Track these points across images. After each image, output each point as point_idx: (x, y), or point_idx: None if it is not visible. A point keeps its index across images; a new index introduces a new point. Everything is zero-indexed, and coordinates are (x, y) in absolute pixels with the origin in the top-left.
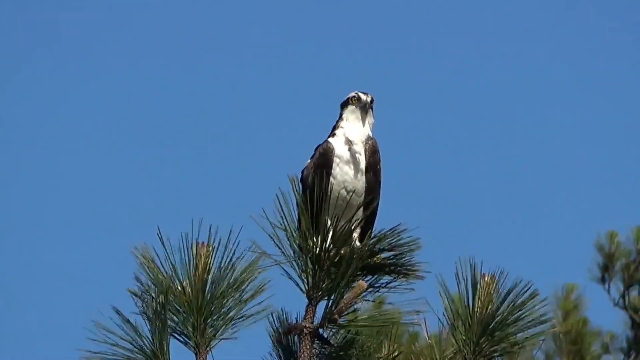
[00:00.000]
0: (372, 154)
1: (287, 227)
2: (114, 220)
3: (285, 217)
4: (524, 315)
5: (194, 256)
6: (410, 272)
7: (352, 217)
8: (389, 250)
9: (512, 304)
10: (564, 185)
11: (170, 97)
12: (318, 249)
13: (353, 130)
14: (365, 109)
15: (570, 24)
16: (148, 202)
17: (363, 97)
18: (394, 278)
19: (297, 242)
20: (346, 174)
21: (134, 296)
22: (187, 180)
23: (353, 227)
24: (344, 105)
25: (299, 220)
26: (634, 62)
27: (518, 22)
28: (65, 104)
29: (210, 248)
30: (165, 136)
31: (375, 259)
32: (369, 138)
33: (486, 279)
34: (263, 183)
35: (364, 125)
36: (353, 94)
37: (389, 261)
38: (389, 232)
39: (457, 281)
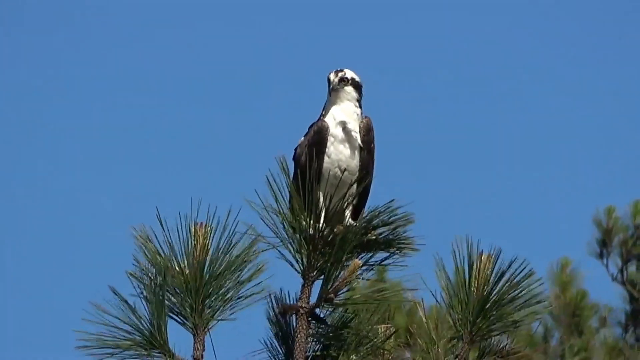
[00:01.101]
0: (367, 132)
1: (280, 209)
2: (112, 201)
3: (277, 198)
4: (520, 294)
5: (193, 237)
6: (404, 246)
7: (345, 195)
8: (383, 225)
9: (509, 283)
10: (561, 160)
11: (168, 80)
12: (311, 229)
13: (338, 111)
14: (335, 89)
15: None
16: (146, 183)
17: (331, 77)
18: (389, 254)
19: (290, 222)
20: (340, 153)
21: (132, 277)
22: (185, 160)
23: (345, 205)
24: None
25: (291, 200)
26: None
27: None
28: (62, 88)
29: (209, 228)
30: (163, 118)
31: (369, 235)
32: (361, 115)
33: (483, 258)
34: (262, 162)
35: (342, 104)
36: (328, 74)
37: (383, 237)
38: (382, 209)
39: (454, 260)
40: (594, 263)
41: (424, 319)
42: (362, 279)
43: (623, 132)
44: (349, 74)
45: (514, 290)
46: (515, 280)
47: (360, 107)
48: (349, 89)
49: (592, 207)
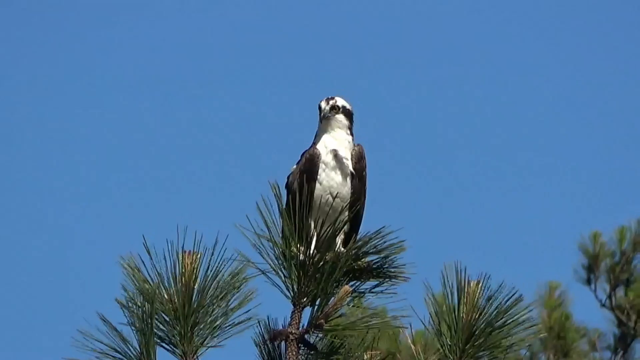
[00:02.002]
0: (359, 159)
1: (270, 235)
2: (100, 228)
3: (268, 224)
4: (509, 321)
5: (180, 264)
6: (395, 274)
7: (336, 222)
8: (374, 253)
9: (497, 309)
10: (547, 186)
11: (154, 103)
12: (302, 256)
13: (329, 139)
14: (326, 117)
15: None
16: (134, 210)
17: (322, 105)
18: (380, 282)
19: (281, 249)
20: (332, 180)
21: (120, 305)
22: (172, 188)
23: (336, 232)
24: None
25: (283, 227)
26: (617, 64)
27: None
28: (37, 119)
29: (198, 255)
30: (150, 144)
31: (360, 262)
32: (353, 142)
33: (472, 285)
34: (250, 188)
35: (334, 132)
36: (320, 102)
37: (374, 264)
38: (373, 235)
39: (443, 288)
40: (581, 288)
41: (412, 345)
42: (352, 305)
43: (609, 158)
44: (340, 101)
45: (503, 317)
46: (504, 307)
47: (351, 134)
48: (340, 116)
49: (576, 233)
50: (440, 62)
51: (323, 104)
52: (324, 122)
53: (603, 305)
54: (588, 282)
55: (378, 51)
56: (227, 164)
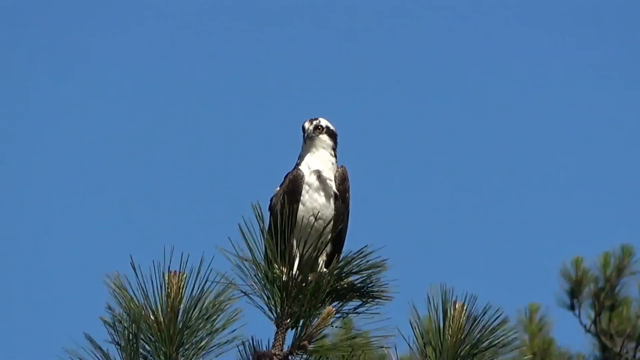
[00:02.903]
0: (342, 181)
1: (253, 257)
2: (86, 247)
3: (250, 246)
4: (494, 342)
5: (166, 285)
6: (378, 294)
7: (318, 243)
8: (357, 272)
9: (483, 330)
10: (528, 210)
11: (138, 122)
12: (285, 277)
13: (312, 160)
14: (310, 137)
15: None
16: (120, 229)
17: (306, 125)
18: (363, 301)
19: (264, 270)
20: (315, 201)
21: (106, 325)
22: (158, 207)
23: (319, 252)
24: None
25: (265, 248)
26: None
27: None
28: (28, 131)
29: (184, 276)
30: (135, 164)
31: (342, 283)
32: (337, 164)
33: (457, 306)
34: (236, 208)
35: (317, 152)
36: (303, 123)
37: (357, 284)
38: (355, 255)
39: (428, 309)
40: (564, 313)
41: None
42: (336, 326)
43: (590, 182)
44: (324, 122)
45: (488, 338)
46: (489, 328)
47: (335, 155)
48: (324, 137)
49: (558, 259)
50: (416, 81)
51: (307, 125)
52: (308, 142)
53: (588, 330)
54: (572, 307)
55: (357, 69)
56: (211, 184)
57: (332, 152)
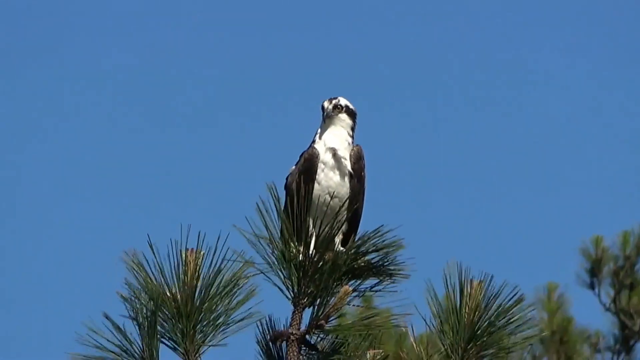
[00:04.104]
0: (357, 160)
1: (270, 236)
2: (104, 226)
3: (267, 225)
4: (511, 320)
5: (184, 262)
6: (395, 272)
7: (335, 222)
8: (373, 251)
9: (500, 309)
10: (548, 190)
11: (156, 104)
12: (301, 256)
13: (329, 138)
14: (329, 116)
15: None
16: (138, 207)
17: (325, 104)
18: (380, 280)
19: (280, 249)
20: (331, 180)
21: (123, 300)
22: (176, 185)
23: (335, 231)
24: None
25: (282, 228)
26: (620, 67)
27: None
28: (38, 117)
29: (201, 254)
30: (153, 144)
31: (359, 261)
32: (353, 144)
33: (474, 284)
34: (252, 187)
35: (336, 131)
36: (323, 102)
37: (373, 263)
38: (372, 234)
39: (445, 287)
40: (580, 291)
41: (414, 344)
42: (353, 305)
43: (610, 161)
44: (343, 101)
45: (505, 316)
46: (506, 306)
47: (352, 135)
48: (343, 116)
49: (577, 238)
50: (439, 67)
51: (326, 104)
52: (327, 121)
53: (607, 309)
54: (591, 286)
55: (377, 53)
56: (228, 164)
57: (350, 132)
